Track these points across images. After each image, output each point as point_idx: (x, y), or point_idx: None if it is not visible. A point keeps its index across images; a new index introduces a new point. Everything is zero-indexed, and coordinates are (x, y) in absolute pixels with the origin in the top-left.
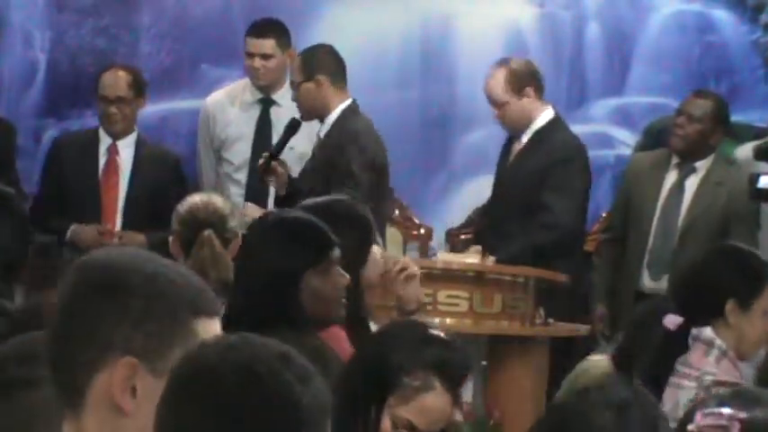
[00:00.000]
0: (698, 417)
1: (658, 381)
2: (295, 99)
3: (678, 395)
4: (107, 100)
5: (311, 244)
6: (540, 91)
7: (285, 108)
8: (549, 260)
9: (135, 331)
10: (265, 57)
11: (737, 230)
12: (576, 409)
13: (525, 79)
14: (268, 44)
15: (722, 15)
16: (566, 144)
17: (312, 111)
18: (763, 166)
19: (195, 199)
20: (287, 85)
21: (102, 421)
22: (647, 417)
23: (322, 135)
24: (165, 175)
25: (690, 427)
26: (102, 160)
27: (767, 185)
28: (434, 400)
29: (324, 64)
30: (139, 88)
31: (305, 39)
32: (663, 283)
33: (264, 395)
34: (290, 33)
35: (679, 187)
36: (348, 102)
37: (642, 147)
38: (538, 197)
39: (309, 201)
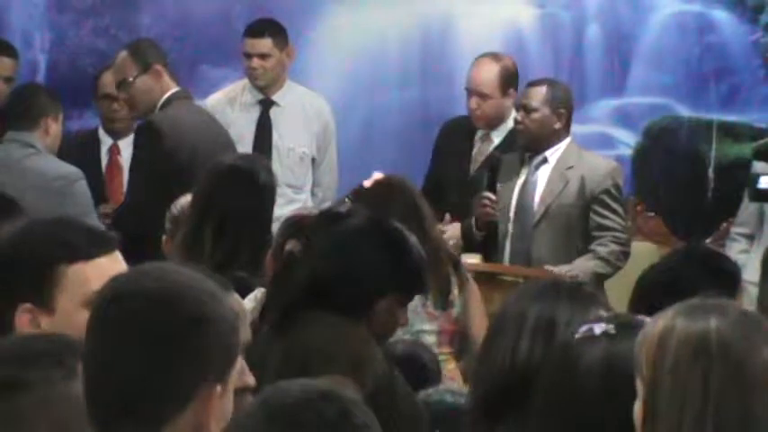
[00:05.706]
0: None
1: None
2: (127, 98)
3: None
4: (110, 97)
5: (399, 273)
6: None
7: (285, 108)
8: None
9: None
10: (263, 56)
11: (597, 211)
12: None
13: (513, 80)
14: (265, 44)
15: (722, 16)
16: None
17: (151, 105)
18: (763, 166)
19: (188, 199)
20: (286, 85)
21: None
22: None
23: None
24: None
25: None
26: (104, 161)
27: (767, 186)
28: None
29: (156, 53)
30: None
31: (305, 39)
32: None
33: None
34: (286, 32)
35: (531, 180)
36: (173, 90)
37: (642, 147)
38: None
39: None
